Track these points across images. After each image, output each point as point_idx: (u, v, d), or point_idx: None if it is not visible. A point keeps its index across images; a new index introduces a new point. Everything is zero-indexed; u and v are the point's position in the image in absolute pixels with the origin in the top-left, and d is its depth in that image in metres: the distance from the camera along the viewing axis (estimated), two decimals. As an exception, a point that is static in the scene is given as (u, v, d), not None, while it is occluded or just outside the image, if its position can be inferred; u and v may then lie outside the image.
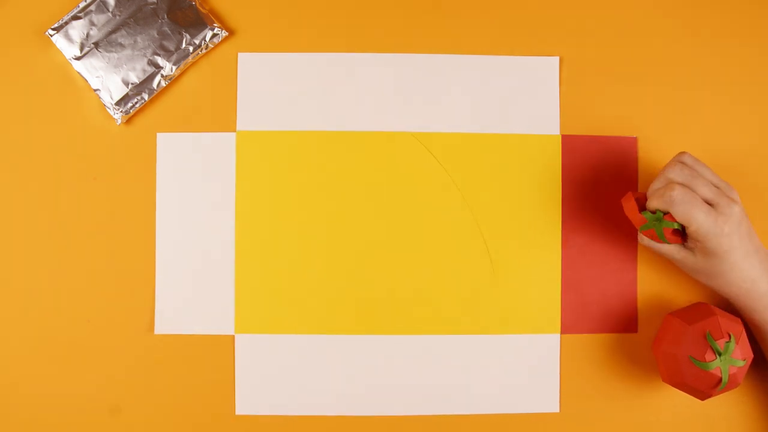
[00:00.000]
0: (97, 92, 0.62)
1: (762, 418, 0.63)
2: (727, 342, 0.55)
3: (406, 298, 0.63)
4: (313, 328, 0.63)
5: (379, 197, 0.63)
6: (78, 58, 0.62)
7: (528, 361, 0.63)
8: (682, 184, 0.54)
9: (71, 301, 0.62)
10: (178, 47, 0.62)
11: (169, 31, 0.62)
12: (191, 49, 0.62)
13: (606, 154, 0.64)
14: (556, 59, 0.64)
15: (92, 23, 0.62)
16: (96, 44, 0.62)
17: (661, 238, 0.56)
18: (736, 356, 0.56)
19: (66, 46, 0.62)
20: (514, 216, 0.63)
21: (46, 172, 0.63)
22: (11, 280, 0.62)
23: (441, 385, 0.63)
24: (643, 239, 0.59)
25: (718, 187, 0.55)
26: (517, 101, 0.63)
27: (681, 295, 0.63)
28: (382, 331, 0.63)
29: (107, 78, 0.62)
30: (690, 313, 0.58)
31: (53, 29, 0.62)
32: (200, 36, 0.62)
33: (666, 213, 0.55)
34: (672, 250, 0.58)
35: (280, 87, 0.63)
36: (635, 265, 0.63)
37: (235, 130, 0.63)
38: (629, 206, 0.57)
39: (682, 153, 0.57)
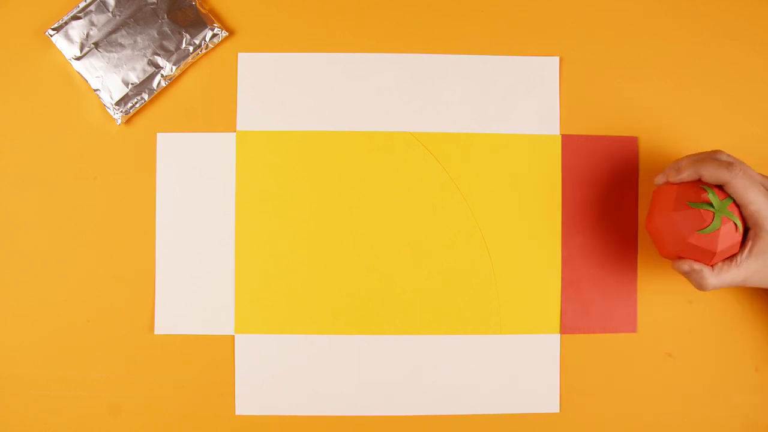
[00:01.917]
0: (97, 92, 0.62)
1: (763, 419, 0.63)
2: (727, 197, 0.54)
3: (406, 298, 0.63)
4: (313, 328, 0.63)
5: (379, 197, 0.63)
6: (78, 58, 0.62)
7: (528, 361, 0.63)
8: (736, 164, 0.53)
9: (71, 301, 0.62)
10: (178, 47, 0.62)
11: (169, 31, 0.62)
12: (191, 49, 0.62)
13: (606, 154, 0.64)
14: (556, 59, 0.64)
15: (92, 23, 0.62)
16: (96, 44, 0.62)
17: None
18: (733, 210, 0.54)
19: (66, 46, 0.62)
20: (514, 216, 0.63)
21: (46, 172, 0.63)
22: (11, 279, 0.62)
23: (441, 385, 0.63)
24: (711, 278, 0.54)
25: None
26: (517, 101, 0.63)
27: (681, 295, 0.63)
28: (382, 331, 0.63)
29: (107, 78, 0.62)
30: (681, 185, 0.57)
31: (53, 29, 0.62)
32: (200, 36, 0.62)
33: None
34: (737, 273, 0.54)
35: (280, 87, 0.63)
36: (635, 265, 0.63)
37: (235, 130, 0.63)
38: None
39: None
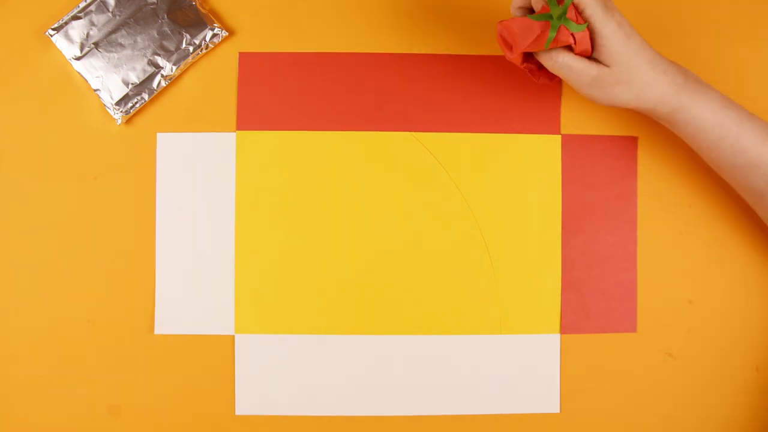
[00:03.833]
0: (97, 92, 0.62)
1: (763, 419, 0.63)
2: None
3: (406, 298, 0.63)
4: (313, 328, 0.63)
5: (379, 197, 0.63)
6: (78, 58, 0.62)
7: (528, 361, 0.63)
8: None
9: (71, 301, 0.62)
10: (178, 47, 0.62)
11: (169, 31, 0.62)
12: (191, 49, 0.62)
13: (606, 154, 0.64)
14: (556, 59, 0.64)
15: (92, 23, 0.62)
16: (96, 44, 0.62)
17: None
18: (571, 17, 0.52)
19: (66, 46, 0.62)
20: (514, 216, 0.63)
21: (46, 172, 0.63)
22: (11, 279, 0.62)
23: (441, 386, 0.63)
24: (558, 58, 0.53)
25: None
26: (517, 101, 0.63)
27: (681, 295, 0.63)
28: (381, 331, 0.63)
29: (107, 78, 0.62)
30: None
31: (53, 29, 0.62)
32: (200, 36, 0.62)
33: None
34: (587, 66, 0.53)
35: (280, 87, 0.63)
36: (635, 265, 0.63)
37: (235, 130, 0.63)
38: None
39: None
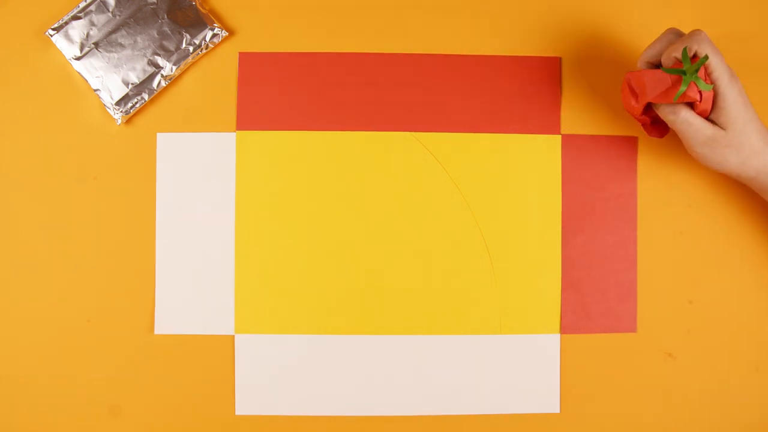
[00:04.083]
0: (97, 92, 0.62)
1: (763, 419, 0.63)
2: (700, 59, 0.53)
3: (406, 298, 0.63)
4: (313, 328, 0.63)
5: (379, 197, 0.63)
6: (78, 58, 0.62)
7: (528, 361, 0.63)
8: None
9: (71, 301, 0.62)
10: (178, 47, 0.62)
11: (169, 31, 0.62)
12: (191, 49, 0.62)
13: (606, 154, 0.64)
14: (556, 59, 0.64)
15: (92, 23, 0.62)
16: (96, 44, 0.62)
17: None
18: (700, 76, 0.53)
19: (66, 46, 0.62)
20: (514, 216, 0.63)
21: (46, 172, 0.63)
22: (11, 279, 0.62)
23: (441, 386, 0.63)
24: (680, 113, 0.55)
25: None
26: (517, 101, 0.63)
27: (681, 295, 0.63)
28: (381, 331, 0.63)
29: (107, 78, 0.62)
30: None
31: (53, 29, 0.62)
32: (200, 36, 0.62)
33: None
34: (704, 126, 0.55)
35: (280, 87, 0.63)
36: (635, 265, 0.63)
37: (235, 130, 0.63)
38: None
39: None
